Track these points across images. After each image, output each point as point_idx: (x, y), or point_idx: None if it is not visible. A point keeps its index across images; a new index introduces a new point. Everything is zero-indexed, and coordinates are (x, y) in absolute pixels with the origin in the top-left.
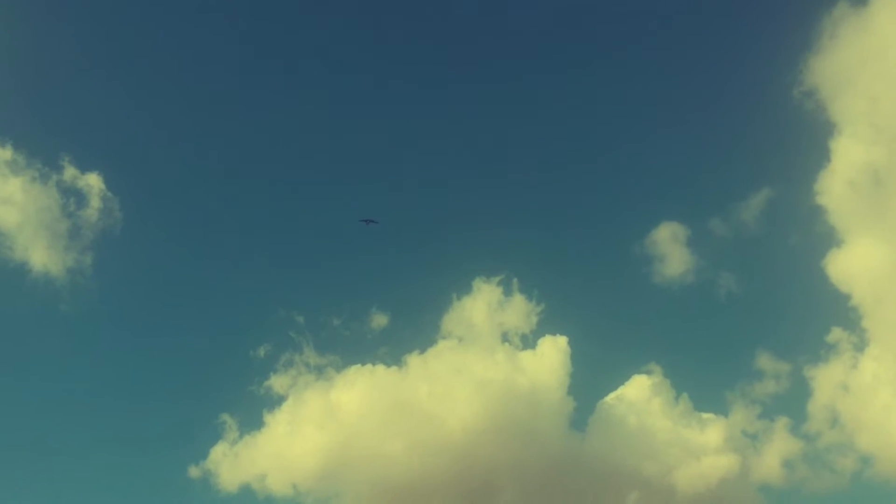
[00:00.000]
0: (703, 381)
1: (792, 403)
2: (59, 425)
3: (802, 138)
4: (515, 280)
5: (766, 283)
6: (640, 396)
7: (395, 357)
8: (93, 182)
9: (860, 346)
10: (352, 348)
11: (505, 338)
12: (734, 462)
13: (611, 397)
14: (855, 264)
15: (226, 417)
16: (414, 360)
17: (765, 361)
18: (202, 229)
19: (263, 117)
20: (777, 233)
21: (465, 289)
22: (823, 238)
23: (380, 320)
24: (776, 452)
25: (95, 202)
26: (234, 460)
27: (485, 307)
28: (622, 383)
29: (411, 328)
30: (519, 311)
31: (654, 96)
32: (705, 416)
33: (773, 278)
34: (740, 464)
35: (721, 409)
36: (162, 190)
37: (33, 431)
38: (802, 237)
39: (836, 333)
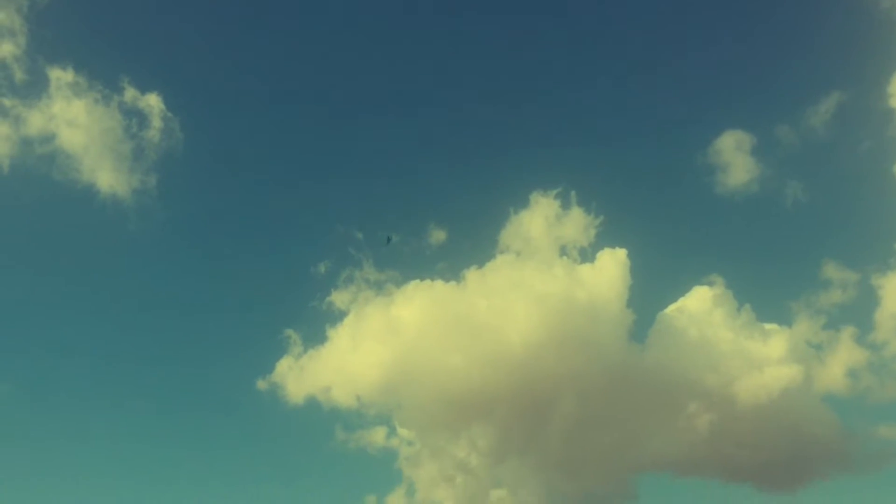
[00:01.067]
0: (767, 292)
1: (858, 313)
2: (130, 341)
3: (874, 39)
4: (573, 193)
5: (835, 191)
6: (701, 308)
7: (453, 272)
8: (153, 102)
9: None
10: (410, 264)
11: (563, 251)
12: (797, 372)
13: (671, 309)
14: None
15: (290, 332)
16: (472, 274)
17: (831, 270)
18: (260, 148)
19: (323, 44)
20: (847, 138)
21: (522, 203)
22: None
23: (438, 235)
24: (841, 362)
25: (157, 122)
26: (299, 373)
27: (542, 221)
28: (683, 295)
29: (469, 243)
30: (577, 224)
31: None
32: (768, 326)
33: (842, 186)
34: (803, 374)
35: (785, 319)
36: (220, 110)
37: (107, 347)
38: (873, 142)
39: None
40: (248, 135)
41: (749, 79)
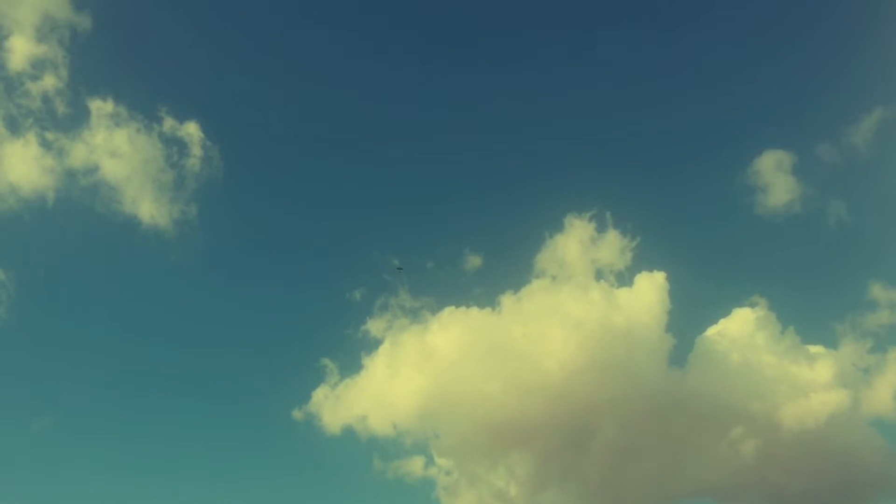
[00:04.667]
0: (812, 314)
1: None
2: (170, 372)
3: None
4: (609, 214)
5: (879, 210)
6: (743, 330)
7: (488, 298)
8: (192, 131)
9: None
10: (446, 290)
11: (599, 275)
12: (844, 397)
13: (711, 331)
14: None
15: (326, 361)
16: (508, 300)
17: (878, 291)
18: (298, 176)
19: (361, 77)
20: (890, 156)
21: (557, 226)
22: None
23: (473, 261)
24: (890, 385)
25: (197, 151)
26: (335, 402)
27: (577, 244)
28: (723, 318)
29: (504, 268)
30: (613, 246)
31: (757, 17)
32: (813, 349)
33: (887, 204)
34: (851, 398)
35: (831, 341)
36: (259, 138)
37: (147, 378)
38: None
39: None
40: (285, 163)
41: (789, 97)
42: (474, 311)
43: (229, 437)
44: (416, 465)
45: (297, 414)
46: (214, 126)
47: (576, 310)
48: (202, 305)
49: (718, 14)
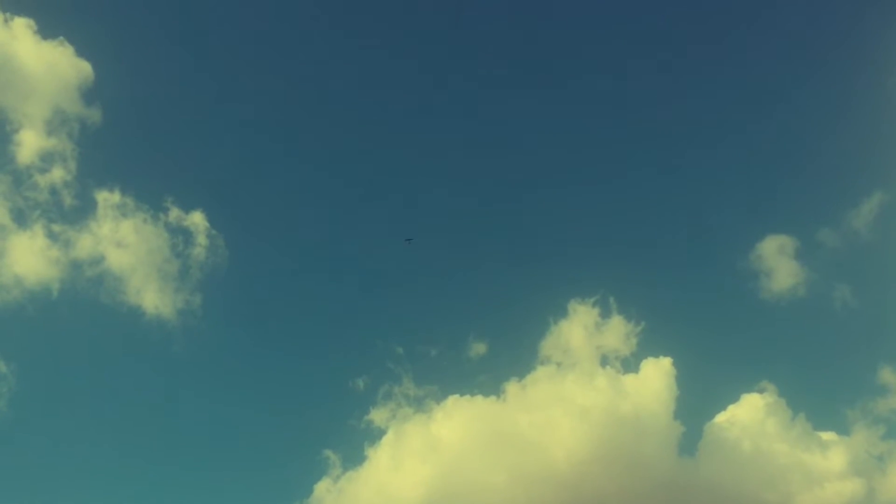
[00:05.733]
0: (822, 400)
1: None
2: (170, 466)
3: None
4: (612, 299)
5: (885, 293)
6: (753, 417)
7: (493, 385)
8: (197, 220)
9: None
10: (450, 378)
11: (605, 361)
12: (859, 486)
13: (720, 418)
14: None
15: (329, 453)
16: (513, 387)
17: (888, 375)
18: (302, 263)
19: (355, 163)
20: (892, 238)
21: (560, 312)
22: None
23: (478, 348)
24: None
25: (202, 240)
26: (337, 496)
27: (581, 330)
28: (732, 404)
29: (509, 355)
30: (618, 332)
31: (756, 100)
32: (825, 436)
33: (891, 286)
34: (865, 487)
35: (843, 428)
36: (263, 227)
37: (148, 473)
38: None
39: None
40: (289, 251)
41: (789, 182)
42: (479, 399)
43: None
44: None
45: None
46: (219, 215)
47: (582, 397)
48: (203, 397)
49: (725, 91)
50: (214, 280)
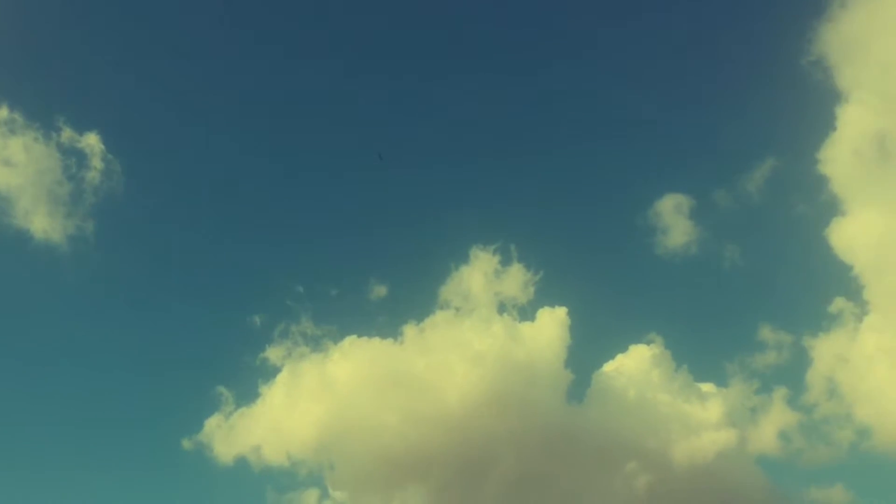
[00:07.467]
0: (704, 353)
1: (791, 375)
2: (54, 395)
3: (808, 107)
4: (513, 247)
5: (770, 254)
6: (639, 367)
7: (392, 328)
8: (92, 142)
9: (861, 317)
10: (349, 319)
11: (502, 308)
12: (732, 435)
13: (609, 367)
14: (858, 234)
15: (222, 389)
16: (411, 330)
17: (767, 333)
18: (202, 195)
19: (270, 84)
20: (781, 203)
21: (462, 257)
22: (827, 207)
23: (378, 291)
24: (773, 424)
25: (97, 163)
26: (228, 432)
27: (482, 277)
28: (621, 354)
29: (409, 298)
30: (517, 280)
31: (655, 66)
32: (705, 387)
33: (777, 249)
34: (738, 436)
35: (721, 380)
36: (162, 151)
37: (29, 401)
38: (806, 207)
39: (838, 303)
40: (189, 181)
41: (689, 144)
42: (377, 341)
43: (114, 467)
44: (310, 498)
45: (186, 443)
46: (115, 138)
47: (478, 343)
48: (93, 326)
49: (629, 60)
50: (109, 206)
